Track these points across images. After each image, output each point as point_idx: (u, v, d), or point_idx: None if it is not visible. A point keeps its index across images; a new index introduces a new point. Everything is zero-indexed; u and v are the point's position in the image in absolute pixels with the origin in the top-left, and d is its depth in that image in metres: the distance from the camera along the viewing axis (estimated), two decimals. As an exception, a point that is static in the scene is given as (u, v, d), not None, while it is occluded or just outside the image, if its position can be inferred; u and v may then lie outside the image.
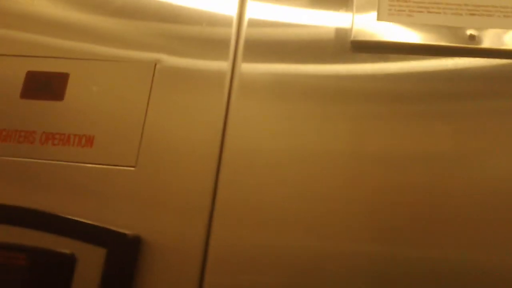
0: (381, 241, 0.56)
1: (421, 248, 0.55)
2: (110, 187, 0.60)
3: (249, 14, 0.67)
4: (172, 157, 0.61)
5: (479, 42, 0.61)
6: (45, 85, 0.66)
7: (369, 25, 0.64)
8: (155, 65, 0.66)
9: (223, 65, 0.65)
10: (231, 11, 0.67)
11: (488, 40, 0.62)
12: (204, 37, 0.66)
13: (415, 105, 0.60)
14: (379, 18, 0.64)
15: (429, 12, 0.64)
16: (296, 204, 0.58)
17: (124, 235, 0.56)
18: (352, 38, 0.64)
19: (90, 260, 0.56)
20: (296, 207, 0.57)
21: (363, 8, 0.65)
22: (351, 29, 0.64)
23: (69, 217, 0.58)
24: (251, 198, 0.58)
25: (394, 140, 0.59)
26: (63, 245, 0.56)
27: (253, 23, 0.67)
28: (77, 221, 0.57)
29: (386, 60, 0.63)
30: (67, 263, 0.55)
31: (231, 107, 0.63)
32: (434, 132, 0.59)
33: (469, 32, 0.62)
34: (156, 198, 0.60)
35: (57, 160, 0.63)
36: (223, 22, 0.67)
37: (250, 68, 0.65)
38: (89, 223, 0.57)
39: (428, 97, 0.61)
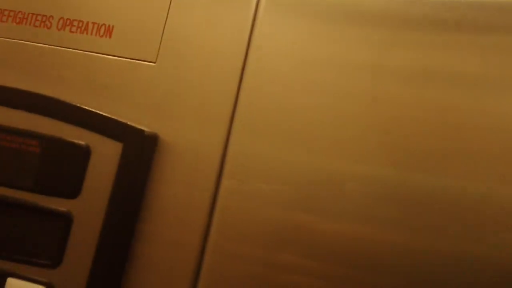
0: (398, 165, 0.52)
1: (439, 176, 0.52)
2: (128, 82, 0.57)
3: None
4: (194, 57, 0.57)
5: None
6: (64, -34, 0.61)
7: None
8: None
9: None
10: None
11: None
12: None
13: (448, 33, 0.55)
14: None
15: None
16: (318, 120, 0.54)
17: (142, 131, 0.54)
18: None
19: (105, 153, 0.54)
20: (318, 123, 0.54)
21: None
22: None
23: (85, 107, 0.55)
24: (273, 108, 0.55)
25: (419, 55, 0.54)
26: (78, 136, 0.54)
27: None
28: (94, 112, 0.55)
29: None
30: (81, 154, 0.54)
31: (259, 15, 0.58)
32: (461, 56, 0.53)
33: None
34: (175, 98, 0.57)
35: (74, 48, 0.59)
36: None
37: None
38: (106, 116, 0.55)
39: (463, 27, 0.54)
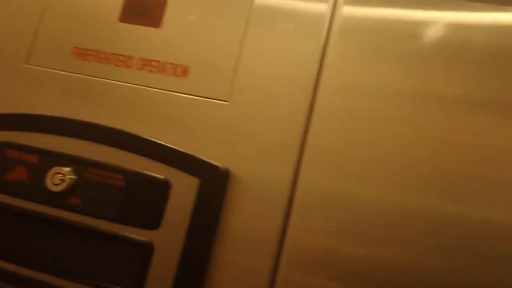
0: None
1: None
2: (202, 119, 0.62)
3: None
4: (264, 95, 0.61)
5: None
6: (144, 11, 0.66)
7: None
8: (252, 2, 0.64)
9: (323, 7, 0.63)
10: None
11: None
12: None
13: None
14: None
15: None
16: (387, 157, 0.57)
17: (217, 167, 0.58)
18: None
19: (183, 188, 0.58)
20: (386, 160, 0.57)
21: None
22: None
23: (165, 144, 0.59)
24: (341, 144, 0.58)
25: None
26: (159, 171, 0.59)
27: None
28: (173, 149, 0.59)
29: (504, 10, 0.59)
30: (162, 188, 0.58)
31: (328, 50, 0.62)
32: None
33: None
34: (246, 134, 0.60)
35: (152, 87, 0.64)
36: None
37: (352, 11, 0.62)
38: (185, 152, 0.59)
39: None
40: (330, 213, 0.57)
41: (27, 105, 0.66)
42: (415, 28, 0.60)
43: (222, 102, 0.62)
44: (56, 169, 0.59)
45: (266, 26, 0.63)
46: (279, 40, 0.63)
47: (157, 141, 0.60)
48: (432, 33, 0.60)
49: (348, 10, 0.62)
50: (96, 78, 0.65)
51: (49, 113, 0.64)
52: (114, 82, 0.65)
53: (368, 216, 0.56)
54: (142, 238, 0.57)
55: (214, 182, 0.58)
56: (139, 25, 0.66)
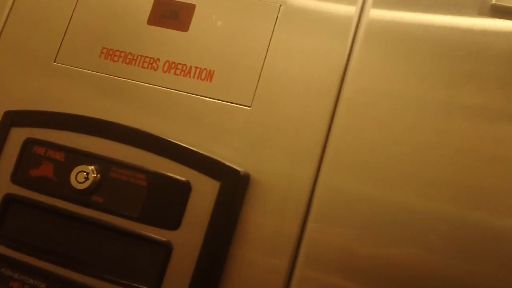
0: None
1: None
2: (225, 123, 0.62)
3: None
4: (287, 99, 0.62)
5: None
6: (172, 14, 0.67)
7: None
8: (280, 6, 0.65)
9: (350, 10, 0.63)
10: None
11: None
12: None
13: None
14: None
15: None
16: (407, 162, 0.57)
17: (237, 171, 0.59)
18: (493, 1, 0.60)
19: (203, 190, 0.59)
20: (406, 164, 0.57)
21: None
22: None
23: (188, 146, 0.60)
24: (363, 148, 0.59)
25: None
26: (180, 172, 0.60)
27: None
28: (195, 151, 0.60)
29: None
30: (183, 189, 0.59)
31: (354, 55, 0.62)
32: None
33: None
34: (267, 139, 0.61)
35: (177, 90, 0.65)
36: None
37: (379, 14, 0.62)
38: (206, 155, 0.60)
39: None
40: (349, 215, 0.57)
41: (54, 102, 0.68)
42: (443, 34, 0.60)
43: (244, 107, 0.63)
44: (81, 167, 0.60)
45: (292, 29, 0.64)
46: (305, 44, 0.63)
47: (179, 143, 0.61)
48: (460, 40, 0.60)
49: (376, 13, 0.63)
50: (123, 79, 0.67)
51: (76, 112, 0.66)
52: (140, 83, 0.66)
53: (388, 217, 0.57)
54: (162, 238, 0.58)
55: (234, 186, 0.59)
56: (167, 28, 0.67)
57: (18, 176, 0.63)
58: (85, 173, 0.60)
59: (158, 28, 0.67)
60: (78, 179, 0.60)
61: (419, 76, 0.60)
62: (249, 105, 0.63)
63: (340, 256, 0.56)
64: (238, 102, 0.63)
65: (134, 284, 0.58)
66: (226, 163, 0.59)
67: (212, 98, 0.64)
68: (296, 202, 0.59)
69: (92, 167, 0.60)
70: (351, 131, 0.60)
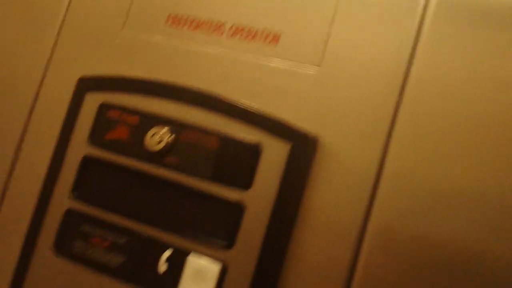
0: None
1: None
2: (292, 86, 0.63)
3: None
4: (356, 64, 0.61)
5: None
6: (237, -23, 0.67)
7: None
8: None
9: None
10: None
11: None
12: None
13: None
14: None
15: None
16: (472, 143, 0.56)
17: (306, 134, 0.59)
18: None
19: (273, 152, 0.60)
20: (472, 145, 0.56)
21: None
22: None
23: (257, 109, 0.62)
24: (429, 128, 0.58)
25: None
26: (249, 134, 0.61)
27: None
28: (264, 114, 0.61)
29: None
30: (253, 151, 0.60)
31: (423, 31, 0.60)
32: None
33: None
34: (336, 102, 0.61)
35: (243, 54, 0.66)
36: None
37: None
38: (275, 118, 0.61)
39: None
40: (417, 197, 0.57)
41: (123, 69, 0.70)
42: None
43: (314, 66, 0.62)
44: (155, 129, 0.63)
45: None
46: (372, 17, 0.62)
47: (249, 106, 0.62)
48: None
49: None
50: (189, 45, 0.68)
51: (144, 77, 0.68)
52: (206, 49, 0.67)
53: (455, 202, 0.56)
54: (235, 197, 0.60)
55: (303, 148, 0.60)
56: (231, -9, 0.67)
57: (95, 138, 0.66)
58: (159, 135, 0.62)
59: (224, -9, 0.68)
60: (152, 141, 0.62)
61: (489, 60, 0.57)
62: (318, 64, 0.62)
63: (406, 240, 0.56)
64: (306, 62, 0.63)
65: (209, 240, 0.60)
66: (296, 125, 0.60)
67: (280, 59, 0.64)
68: (363, 172, 0.59)
69: (166, 129, 0.63)
70: (421, 106, 0.58)
